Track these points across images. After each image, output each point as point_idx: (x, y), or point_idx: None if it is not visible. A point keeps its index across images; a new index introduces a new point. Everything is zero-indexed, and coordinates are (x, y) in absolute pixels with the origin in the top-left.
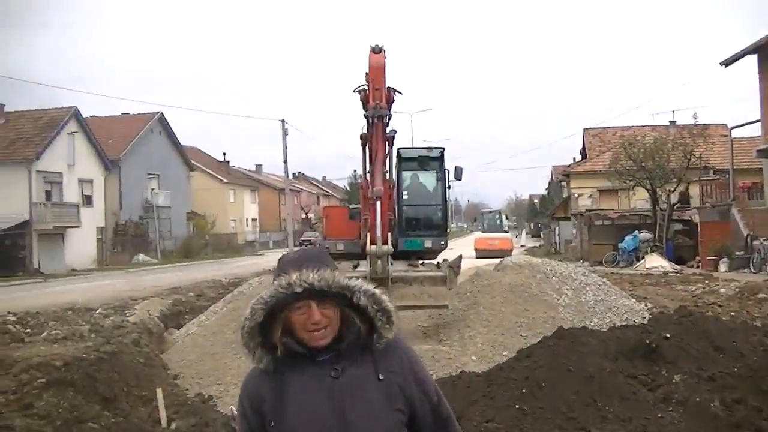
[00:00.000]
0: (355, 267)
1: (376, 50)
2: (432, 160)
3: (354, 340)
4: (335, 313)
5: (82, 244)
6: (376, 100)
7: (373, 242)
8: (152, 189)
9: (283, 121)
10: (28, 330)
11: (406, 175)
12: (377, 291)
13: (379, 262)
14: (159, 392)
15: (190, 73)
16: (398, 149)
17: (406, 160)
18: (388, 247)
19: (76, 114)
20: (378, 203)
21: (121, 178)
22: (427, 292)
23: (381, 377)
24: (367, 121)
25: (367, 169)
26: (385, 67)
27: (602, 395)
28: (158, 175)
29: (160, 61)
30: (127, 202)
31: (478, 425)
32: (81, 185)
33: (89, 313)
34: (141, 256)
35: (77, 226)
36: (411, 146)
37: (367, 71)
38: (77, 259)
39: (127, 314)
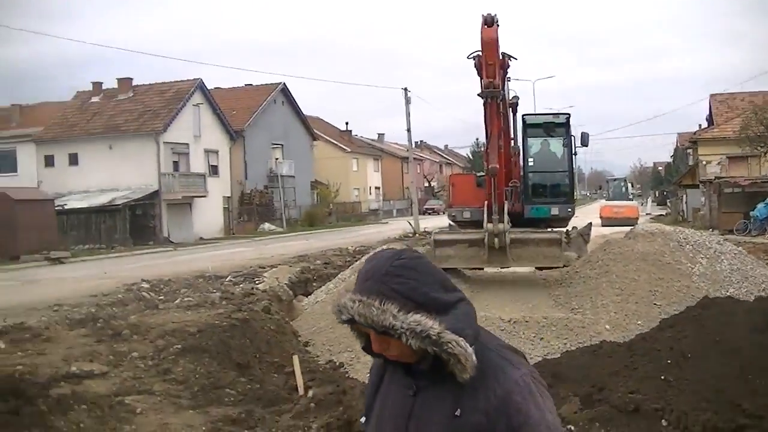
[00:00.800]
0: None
1: (488, 22)
2: (558, 126)
3: (435, 362)
4: (401, 344)
5: (209, 213)
6: (489, 76)
7: (489, 220)
8: (276, 158)
9: (405, 89)
10: (161, 297)
11: (532, 141)
12: (436, 331)
13: (496, 239)
14: (295, 359)
15: (312, 44)
16: (523, 115)
17: (531, 127)
18: (504, 226)
19: (200, 86)
20: (494, 179)
21: (246, 148)
22: (543, 253)
23: (457, 413)
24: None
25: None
26: (497, 40)
27: (752, 368)
28: (282, 144)
29: (282, 32)
30: (251, 172)
31: (621, 396)
32: (207, 155)
33: (219, 280)
34: (266, 225)
35: (204, 196)
36: (536, 112)
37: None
38: (204, 228)
39: (257, 282)
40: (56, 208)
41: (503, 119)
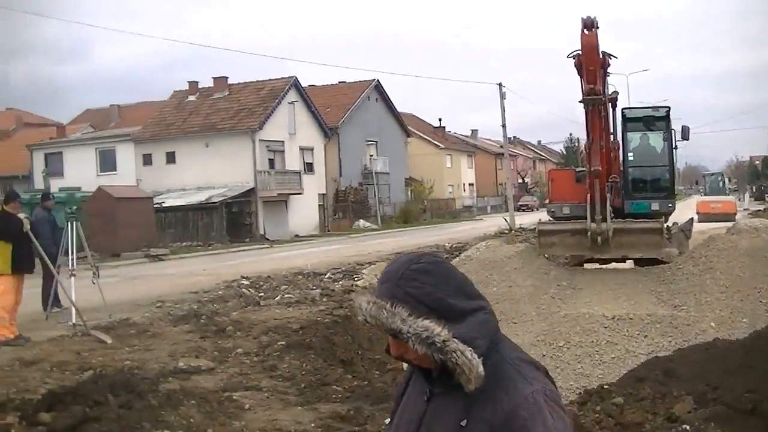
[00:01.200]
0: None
1: (588, 26)
2: (658, 119)
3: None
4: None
5: (304, 210)
6: (590, 82)
7: (593, 219)
8: (370, 155)
9: (500, 84)
10: (261, 294)
11: (632, 136)
12: (442, 338)
13: (599, 238)
14: None
15: (405, 40)
16: (622, 109)
17: (631, 121)
18: (608, 225)
19: (295, 83)
20: (596, 181)
21: (340, 145)
22: (644, 241)
23: (463, 423)
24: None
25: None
26: (597, 44)
27: None
28: (376, 141)
29: (376, 28)
30: (346, 169)
31: (739, 396)
32: (302, 153)
33: (318, 277)
34: (361, 222)
35: (299, 193)
36: (635, 106)
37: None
38: (300, 225)
39: (355, 278)
40: (155, 206)
41: (603, 117)
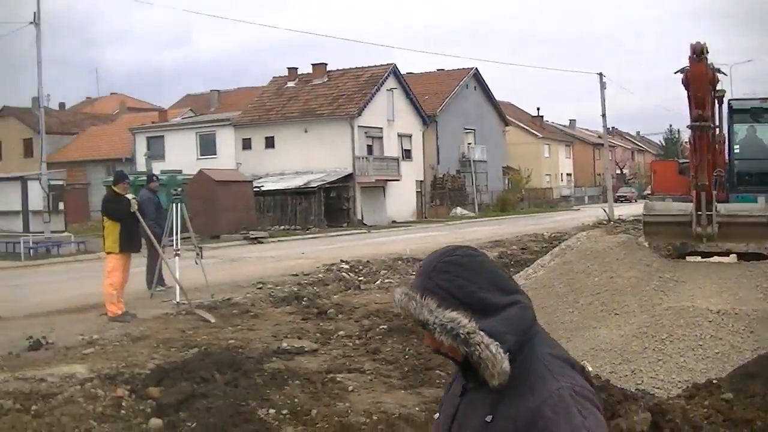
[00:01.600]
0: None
1: (697, 52)
2: (766, 111)
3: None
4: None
5: (402, 196)
6: (698, 107)
7: (698, 223)
8: (468, 143)
9: (600, 74)
10: (361, 278)
11: (738, 128)
12: (466, 330)
13: (704, 240)
14: None
15: (504, 28)
16: (729, 101)
17: (737, 112)
18: (713, 229)
19: (394, 71)
20: (703, 194)
21: (438, 133)
22: (749, 235)
23: (488, 419)
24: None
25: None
26: (707, 74)
27: None
28: (474, 129)
29: (474, 16)
30: (444, 156)
31: None
32: (400, 140)
33: (417, 263)
34: (458, 209)
35: (397, 180)
36: (742, 97)
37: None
38: (397, 211)
39: None
40: (254, 190)
41: (711, 136)
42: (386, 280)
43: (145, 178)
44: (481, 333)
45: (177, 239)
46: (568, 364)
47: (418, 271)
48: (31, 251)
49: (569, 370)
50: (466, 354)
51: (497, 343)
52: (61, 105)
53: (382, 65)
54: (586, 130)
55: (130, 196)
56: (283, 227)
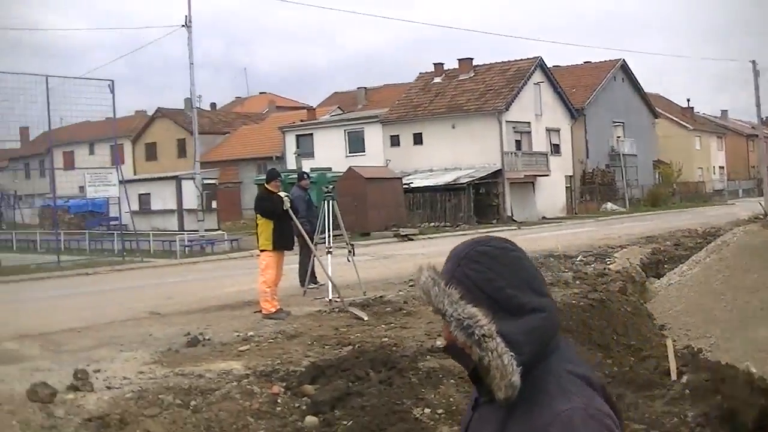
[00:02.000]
0: None
1: None
2: None
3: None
4: None
5: (550, 192)
6: None
7: None
8: (617, 137)
9: (753, 62)
10: None
11: None
12: (481, 335)
13: None
14: (669, 343)
15: (650, 18)
16: None
17: None
18: None
19: (541, 64)
20: None
21: (587, 127)
22: None
23: None
24: None
25: None
26: None
27: None
28: (623, 123)
29: (619, 6)
30: (593, 150)
31: None
32: (548, 134)
33: (569, 260)
34: (609, 205)
35: (546, 175)
36: None
37: None
38: (546, 207)
39: (607, 262)
40: (403, 186)
41: None
42: None
43: (295, 175)
44: (498, 339)
45: (329, 237)
46: (586, 382)
47: (449, 256)
48: (186, 249)
49: (586, 389)
50: (478, 357)
51: (512, 354)
52: (212, 105)
53: (528, 59)
54: (739, 121)
55: (282, 193)
56: (432, 224)
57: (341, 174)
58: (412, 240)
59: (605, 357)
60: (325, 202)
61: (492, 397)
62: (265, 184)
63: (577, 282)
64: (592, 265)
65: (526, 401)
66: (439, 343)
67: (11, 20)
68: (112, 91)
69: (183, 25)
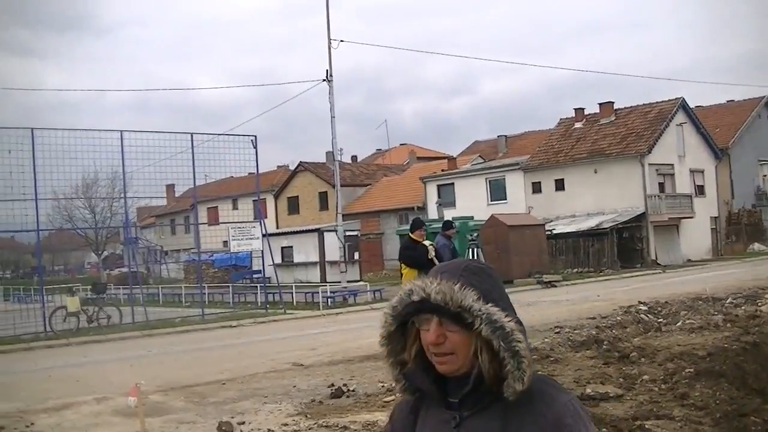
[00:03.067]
0: None
1: None
2: None
3: (480, 381)
4: (463, 341)
5: (695, 234)
6: None
7: None
8: (764, 176)
9: None
10: (661, 319)
11: None
12: (510, 326)
13: None
14: None
15: None
16: None
17: None
18: None
19: (683, 105)
20: None
21: (731, 166)
22: None
23: None
24: None
25: None
26: None
27: None
28: None
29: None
30: (738, 190)
31: None
32: (692, 175)
33: (718, 302)
34: (756, 245)
35: (691, 217)
36: None
37: None
38: (691, 249)
39: (758, 303)
40: (546, 233)
41: None
42: (687, 321)
43: (438, 225)
44: (519, 332)
45: None
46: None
47: (441, 269)
48: (329, 300)
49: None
50: (502, 350)
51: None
52: (353, 158)
53: (670, 100)
54: None
55: (426, 242)
56: (575, 270)
57: (483, 222)
58: (556, 287)
59: (763, 402)
60: (470, 249)
61: (483, 406)
62: (410, 234)
63: (728, 325)
64: (743, 307)
65: (523, 402)
66: (590, 390)
67: (159, 82)
68: (255, 147)
69: (324, 80)
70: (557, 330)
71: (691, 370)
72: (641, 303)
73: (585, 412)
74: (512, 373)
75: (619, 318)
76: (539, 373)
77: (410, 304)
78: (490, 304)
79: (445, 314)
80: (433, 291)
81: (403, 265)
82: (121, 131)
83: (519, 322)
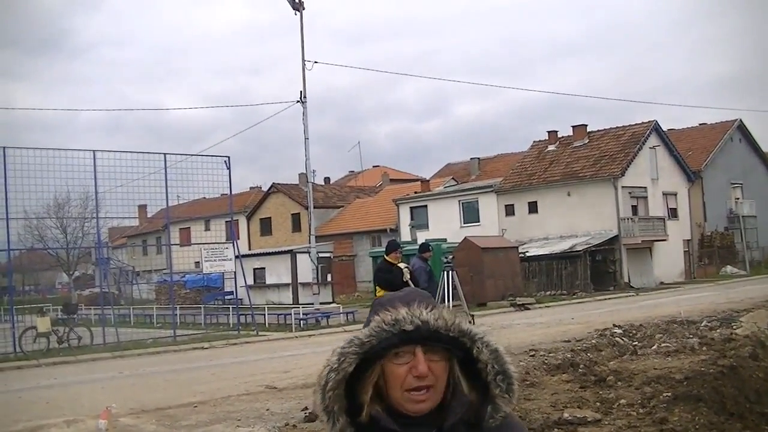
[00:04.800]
0: None
1: None
2: None
3: (460, 415)
4: (444, 370)
5: (668, 257)
6: None
7: None
8: (736, 198)
9: None
10: (636, 342)
11: None
12: (501, 347)
13: None
14: None
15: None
16: None
17: None
18: None
19: (656, 127)
20: None
21: (704, 189)
22: None
23: None
24: None
25: None
26: None
27: None
28: (741, 184)
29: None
30: (711, 213)
31: None
32: (665, 198)
33: (693, 325)
34: (728, 268)
35: (664, 240)
36: None
37: None
38: (664, 272)
39: (733, 326)
40: (519, 255)
41: None
42: (663, 344)
43: (414, 247)
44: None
45: (449, 307)
46: None
47: (408, 297)
48: (302, 322)
49: None
50: (493, 374)
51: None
52: (326, 179)
53: (643, 123)
54: None
55: (402, 265)
56: (549, 292)
57: (456, 245)
58: (529, 309)
59: (743, 427)
60: (445, 272)
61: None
62: (385, 256)
63: (704, 348)
64: (718, 330)
65: (497, 428)
66: (567, 415)
67: (132, 103)
68: (229, 167)
69: (298, 101)
70: (532, 353)
71: (669, 394)
72: (616, 326)
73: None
74: (501, 397)
75: (594, 341)
76: None
77: (394, 336)
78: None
79: (437, 342)
80: (431, 318)
81: (378, 287)
82: (94, 151)
83: None
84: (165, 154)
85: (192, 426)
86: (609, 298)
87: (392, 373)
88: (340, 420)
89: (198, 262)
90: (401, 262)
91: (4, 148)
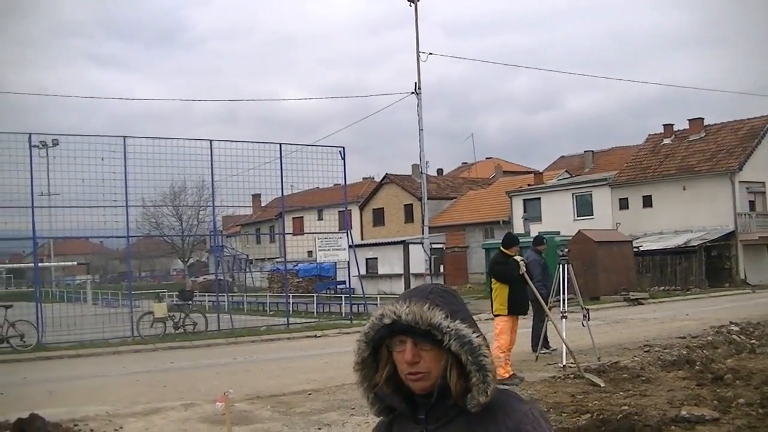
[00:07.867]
0: None
1: None
2: None
3: (445, 395)
4: (435, 358)
5: None
6: None
7: None
8: None
9: None
10: (754, 341)
11: None
12: (477, 341)
13: None
14: None
15: None
16: None
17: None
18: None
19: None
20: None
21: None
22: None
23: None
24: None
25: None
26: None
27: None
28: None
29: None
30: None
31: None
32: None
33: None
34: None
35: None
36: None
37: None
38: None
39: None
40: (633, 250)
41: None
42: None
43: (529, 239)
44: (485, 347)
45: (564, 300)
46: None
47: (409, 293)
48: None
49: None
50: (469, 364)
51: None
52: (439, 171)
53: (762, 116)
54: None
55: (518, 258)
56: (662, 288)
57: (569, 238)
58: (642, 304)
59: None
60: (560, 265)
61: (448, 420)
62: (502, 249)
63: None
64: None
65: (486, 413)
66: (684, 413)
67: (246, 94)
68: (343, 158)
69: (413, 92)
70: (647, 348)
71: None
72: (732, 323)
73: (546, 420)
74: (477, 386)
75: (710, 338)
76: (503, 386)
77: (382, 327)
78: (457, 322)
79: (417, 334)
80: (403, 313)
81: (493, 279)
82: (210, 140)
83: (484, 338)
84: (281, 144)
85: (306, 413)
86: (724, 295)
87: (396, 358)
88: (369, 396)
89: (310, 251)
90: (517, 255)
91: (124, 137)
